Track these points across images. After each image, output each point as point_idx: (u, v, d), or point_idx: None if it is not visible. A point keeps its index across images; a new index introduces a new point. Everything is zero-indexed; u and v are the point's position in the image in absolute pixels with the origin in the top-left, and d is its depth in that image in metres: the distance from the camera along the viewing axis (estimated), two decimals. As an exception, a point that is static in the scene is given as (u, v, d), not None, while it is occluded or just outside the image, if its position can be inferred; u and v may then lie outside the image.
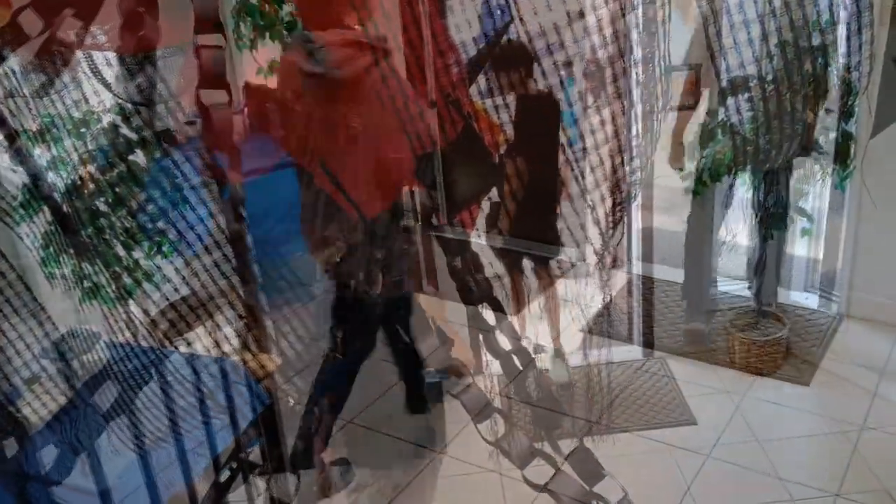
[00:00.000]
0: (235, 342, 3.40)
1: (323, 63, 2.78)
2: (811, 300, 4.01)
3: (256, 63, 4.62)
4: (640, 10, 3.28)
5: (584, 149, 3.69)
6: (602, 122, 3.59)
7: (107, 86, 2.56)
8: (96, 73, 2.40)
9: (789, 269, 4.03)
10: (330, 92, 3.04)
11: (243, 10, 4.37)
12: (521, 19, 3.27)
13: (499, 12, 3.74)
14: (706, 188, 3.46)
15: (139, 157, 3.47)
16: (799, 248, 4.02)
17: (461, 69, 3.13)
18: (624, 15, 3.17)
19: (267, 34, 4.50)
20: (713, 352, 3.76)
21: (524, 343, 3.67)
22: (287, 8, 4.44)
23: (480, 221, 3.72)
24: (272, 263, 4.42)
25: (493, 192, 3.46)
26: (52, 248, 3.36)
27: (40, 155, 3.28)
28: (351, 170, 3.19)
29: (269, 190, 4.21)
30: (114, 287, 3.46)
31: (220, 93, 1.31)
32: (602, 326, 3.94)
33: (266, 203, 4.15)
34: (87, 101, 3.33)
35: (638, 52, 3.38)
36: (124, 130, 3.44)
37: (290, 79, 2.93)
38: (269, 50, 4.58)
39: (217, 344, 3.51)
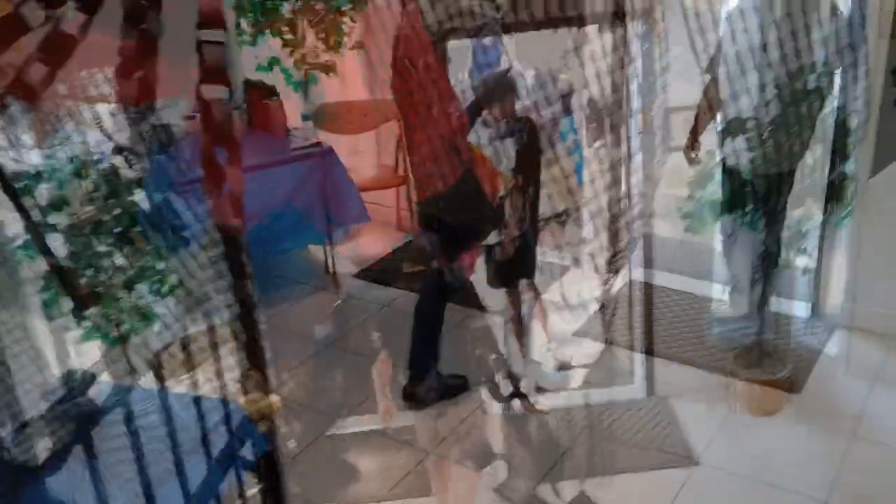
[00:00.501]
0: (235, 382, 3.38)
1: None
2: (812, 338, 4.01)
3: (256, 59, 4.65)
4: (638, 62, 3.32)
5: (584, 198, 3.73)
6: (601, 170, 3.62)
7: (108, 136, 2.58)
8: (98, 122, 2.42)
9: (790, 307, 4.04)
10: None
11: (244, 6, 4.39)
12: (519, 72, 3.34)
13: (490, 46, 3.80)
14: (704, 227, 3.48)
15: (138, 196, 3.49)
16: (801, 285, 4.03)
17: (461, 116, 3.17)
18: (623, 67, 3.22)
19: (267, 31, 4.52)
20: (714, 391, 3.74)
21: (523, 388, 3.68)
22: (287, 5, 4.46)
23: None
24: (269, 259, 4.45)
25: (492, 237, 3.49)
26: (52, 289, 3.36)
27: (40, 196, 3.29)
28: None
29: (267, 186, 4.23)
30: (113, 327, 3.46)
31: (220, 88, 1.33)
32: (604, 366, 3.94)
33: (264, 199, 4.17)
34: (84, 142, 3.35)
35: (637, 101, 3.42)
36: (124, 171, 3.46)
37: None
38: (269, 45, 4.58)
39: (217, 383, 3.50)
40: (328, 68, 4.69)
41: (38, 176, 3.17)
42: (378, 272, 4.82)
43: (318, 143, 4.50)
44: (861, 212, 3.49)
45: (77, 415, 2.98)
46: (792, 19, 2.98)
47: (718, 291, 4.18)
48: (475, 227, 3.35)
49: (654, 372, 3.92)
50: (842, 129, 3.26)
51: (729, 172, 3.50)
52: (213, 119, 1.31)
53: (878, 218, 3.53)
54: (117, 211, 3.44)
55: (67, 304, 3.31)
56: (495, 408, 3.67)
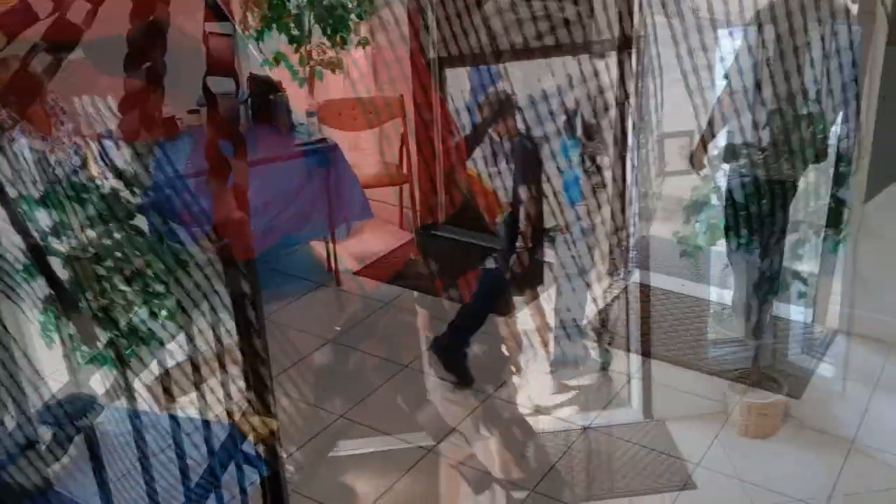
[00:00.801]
0: (236, 404, 3.40)
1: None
2: (807, 362, 4.02)
3: (261, 55, 4.68)
4: (632, 83, 3.36)
5: (581, 216, 3.76)
6: (599, 189, 3.66)
7: (117, 173, 2.61)
8: (105, 157, 2.45)
9: (786, 331, 4.05)
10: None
11: (251, 1, 4.41)
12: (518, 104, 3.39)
13: (494, 79, 3.84)
14: (700, 251, 3.50)
15: (140, 222, 3.51)
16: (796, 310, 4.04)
17: (461, 148, 3.21)
18: (626, 94, 3.26)
19: (274, 25, 4.54)
20: (712, 413, 3.75)
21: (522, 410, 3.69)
22: (294, 1, 4.48)
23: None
24: (271, 254, 4.45)
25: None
26: (50, 313, 3.38)
27: (41, 220, 3.32)
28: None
29: (270, 181, 4.24)
30: (113, 350, 3.46)
31: (227, 81, 1.34)
32: (602, 385, 3.95)
33: (267, 194, 4.18)
34: (85, 167, 3.39)
35: (631, 122, 3.46)
36: (125, 194, 3.49)
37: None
38: (275, 41, 4.61)
39: (208, 409, 3.51)
40: (334, 65, 4.71)
41: (39, 201, 3.20)
42: (380, 270, 4.82)
43: (323, 140, 4.51)
44: (858, 237, 3.52)
45: (75, 437, 2.99)
46: (786, 52, 3.03)
47: (715, 315, 4.20)
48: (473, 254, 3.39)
49: (651, 394, 3.93)
50: (836, 154, 3.30)
51: (726, 198, 3.54)
52: (219, 112, 1.32)
53: (874, 242, 3.56)
54: (117, 236, 3.46)
55: (67, 328, 3.32)
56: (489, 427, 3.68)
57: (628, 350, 4.14)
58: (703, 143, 3.64)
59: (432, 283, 4.31)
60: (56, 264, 3.35)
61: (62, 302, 2.75)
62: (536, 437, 3.67)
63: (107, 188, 3.38)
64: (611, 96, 3.48)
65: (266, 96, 4.58)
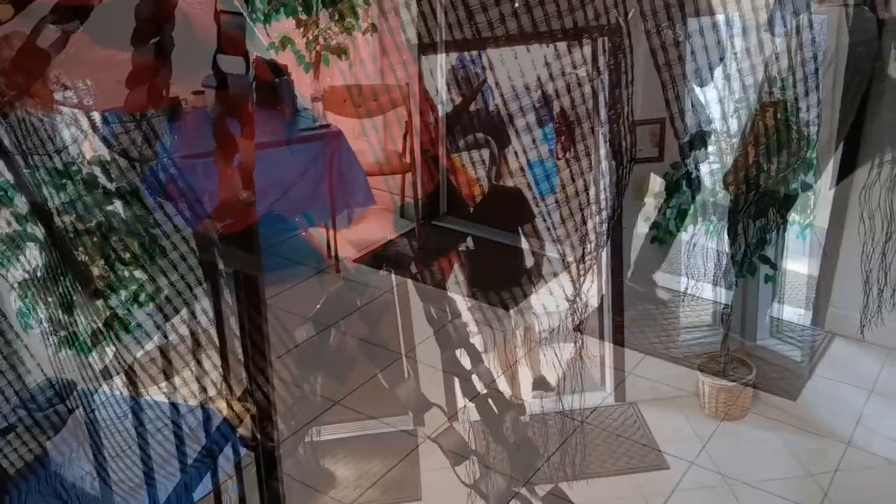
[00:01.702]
0: (212, 387, 3.41)
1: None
2: (775, 344, 4.12)
3: (268, 38, 4.66)
4: (605, 75, 3.42)
5: (557, 201, 3.81)
6: (573, 176, 3.71)
7: (108, 144, 2.61)
8: (96, 129, 2.45)
9: (754, 314, 4.14)
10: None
11: None
12: (495, 83, 3.43)
13: (471, 63, 3.88)
14: (671, 237, 3.57)
15: (118, 207, 3.51)
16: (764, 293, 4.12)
17: (439, 127, 3.25)
18: (591, 81, 3.31)
19: (281, 9, 4.50)
20: (683, 397, 3.83)
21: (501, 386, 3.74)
22: None
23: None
24: (274, 238, 4.44)
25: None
26: (29, 298, 3.36)
27: (19, 204, 3.30)
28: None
29: (273, 165, 4.22)
30: (89, 336, 3.46)
31: (238, 60, 1.35)
32: (577, 369, 4.01)
33: (269, 177, 4.15)
34: (66, 151, 3.37)
35: (604, 112, 3.52)
36: (103, 181, 3.48)
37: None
38: (282, 24, 4.59)
39: (187, 393, 3.53)
40: (340, 51, 4.69)
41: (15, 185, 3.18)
42: (379, 258, 4.83)
43: (327, 125, 4.49)
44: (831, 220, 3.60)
45: (55, 422, 3.00)
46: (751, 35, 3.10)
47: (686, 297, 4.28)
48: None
49: (624, 377, 4.00)
50: (803, 140, 3.37)
51: (694, 183, 3.61)
52: (228, 91, 1.33)
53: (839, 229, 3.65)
54: (95, 220, 3.45)
55: (44, 312, 3.32)
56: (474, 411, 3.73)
57: (601, 336, 4.21)
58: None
59: (432, 272, 4.34)
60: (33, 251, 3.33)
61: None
62: (511, 419, 3.72)
63: (84, 172, 3.37)
64: (587, 88, 3.54)
65: (272, 80, 4.55)
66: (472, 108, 3.43)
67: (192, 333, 3.00)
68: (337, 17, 4.47)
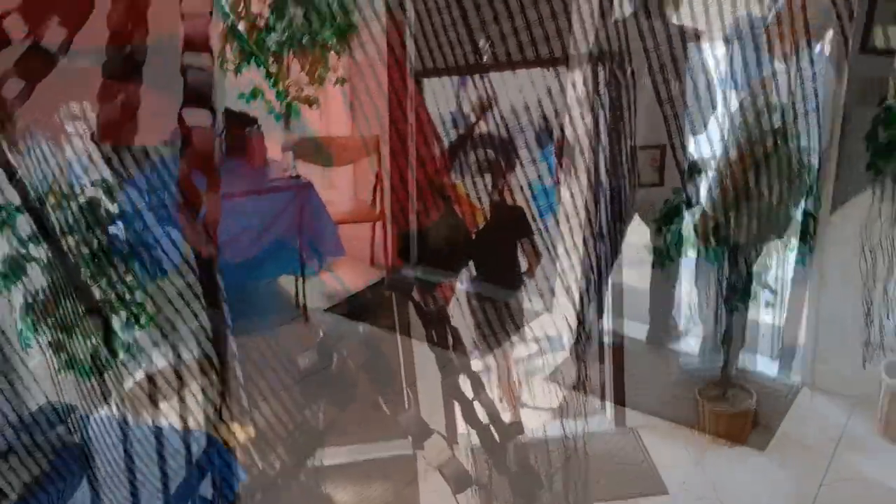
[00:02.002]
0: (210, 413, 3.40)
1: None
2: (772, 368, 4.12)
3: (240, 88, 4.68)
4: (605, 98, 3.45)
5: (557, 223, 3.82)
6: (573, 199, 3.73)
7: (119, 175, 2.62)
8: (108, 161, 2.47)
9: (754, 336, 4.14)
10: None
11: (230, 34, 4.41)
12: (495, 100, 3.45)
13: (473, 88, 3.91)
14: (671, 262, 3.58)
15: (119, 229, 3.52)
16: (764, 316, 4.13)
17: (444, 156, 3.27)
18: (592, 109, 3.34)
19: (252, 59, 4.54)
20: (683, 421, 3.83)
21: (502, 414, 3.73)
22: (274, 36, 4.49)
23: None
24: (243, 288, 4.42)
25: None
26: (29, 319, 3.37)
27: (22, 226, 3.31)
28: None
29: (243, 215, 4.23)
30: (90, 358, 3.46)
31: (203, 114, 1.35)
32: (578, 396, 4.00)
33: (239, 228, 4.17)
34: (65, 173, 3.38)
35: (605, 136, 3.54)
36: (106, 204, 3.49)
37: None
38: (253, 74, 4.61)
39: (186, 417, 3.51)
40: (311, 101, 4.74)
41: (19, 208, 3.20)
42: (349, 307, 4.85)
43: (297, 176, 4.55)
44: (822, 248, 3.62)
45: (54, 445, 2.99)
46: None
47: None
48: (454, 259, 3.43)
49: (623, 402, 4.00)
50: (803, 167, 3.40)
51: (694, 209, 3.63)
52: (194, 144, 1.33)
53: (838, 253, 3.66)
54: (95, 243, 3.46)
55: (44, 334, 3.33)
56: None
57: (601, 360, 4.21)
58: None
59: (402, 321, 4.34)
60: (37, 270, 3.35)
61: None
62: (514, 444, 3.71)
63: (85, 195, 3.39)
64: (585, 109, 3.57)
65: (241, 130, 4.61)
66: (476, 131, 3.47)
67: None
68: (308, 67, 4.50)
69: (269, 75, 4.54)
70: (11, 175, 2.22)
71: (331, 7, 4.26)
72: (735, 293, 3.63)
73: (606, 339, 4.08)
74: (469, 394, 3.79)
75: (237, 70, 4.44)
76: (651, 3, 3.39)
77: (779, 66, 3.15)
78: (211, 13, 1.50)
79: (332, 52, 4.62)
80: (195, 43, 1.32)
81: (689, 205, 3.65)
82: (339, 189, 5.16)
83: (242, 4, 4.31)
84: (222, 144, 4.63)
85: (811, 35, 3.24)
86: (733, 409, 3.69)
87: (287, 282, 4.90)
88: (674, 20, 3.48)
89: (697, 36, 3.36)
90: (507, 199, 3.51)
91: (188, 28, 1.32)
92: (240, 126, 4.64)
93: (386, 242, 4.88)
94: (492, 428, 3.70)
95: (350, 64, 4.76)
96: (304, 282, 4.70)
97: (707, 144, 3.49)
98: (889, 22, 3.30)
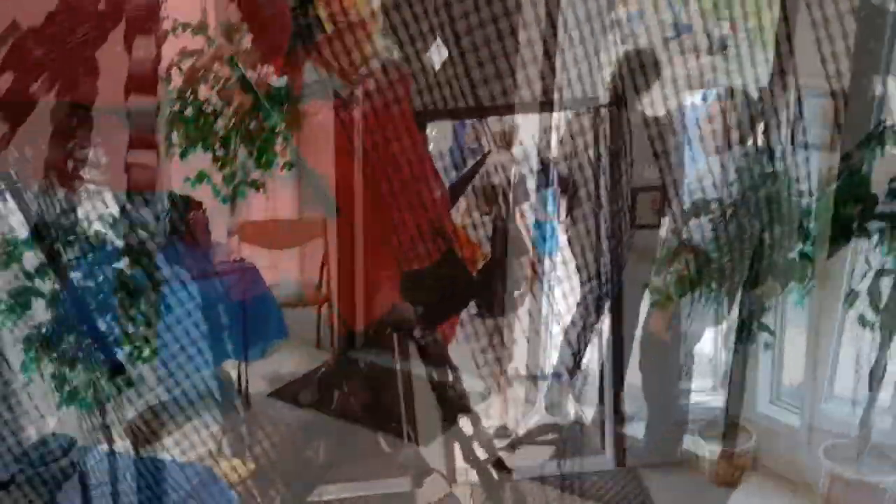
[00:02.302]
0: (211, 446, 3.42)
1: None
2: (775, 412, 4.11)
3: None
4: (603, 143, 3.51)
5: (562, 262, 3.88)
6: (574, 239, 3.78)
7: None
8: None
9: (754, 381, 4.14)
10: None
11: (176, 120, 4.38)
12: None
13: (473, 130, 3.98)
14: (670, 302, 3.60)
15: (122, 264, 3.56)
16: (763, 360, 4.13)
17: (445, 197, 3.33)
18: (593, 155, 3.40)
19: (199, 144, 4.49)
20: (684, 462, 3.82)
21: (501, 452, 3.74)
22: (222, 121, 4.45)
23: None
24: (183, 375, 4.29)
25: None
26: (32, 353, 3.39)
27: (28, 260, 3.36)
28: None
29: (187, 299, 4.14)
30: (92, 392, 3.48)
31: (148, 154, 1.40)
32: (575, 437, 4.01)
33: (183, 313, 4.07)
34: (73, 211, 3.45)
35: (604, 178, 3.60)
36: (111, 237, 3.54)
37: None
38: (200, 160, 4.56)
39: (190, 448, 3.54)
40: (257, 185, 4.63)
41: (26, 242, 3.25)
42: (293, 392, 4.65)
43: (242, 259, 4.48)
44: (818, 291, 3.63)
45: (55, 478, 3.00)
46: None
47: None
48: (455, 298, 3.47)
49: (623, 443, 3.99)
50: (800, 209, 3.43)
51: (693, 251, 3.66)
52: (137, 184, 1.37)
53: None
54: (101, 277, 3.50)
55: (47, 367, 3.35)
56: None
57: (601, 401, 4.22)
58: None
59: (347, 406, 4.33)
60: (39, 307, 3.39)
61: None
62: (511, 484, 3.71)
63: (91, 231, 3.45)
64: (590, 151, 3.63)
65: (186, 215, 4.53)
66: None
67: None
68: (255, 152, 4.43)
69: (216, 160, 4.45)
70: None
71: (280, 92, 4.29)
72: (733, 335, 3.65)
73: (606, 380, 4.10)
74: (468, 431, 3.81)
75: (183, 155, 4.37)
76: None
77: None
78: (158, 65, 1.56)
79: (281, 137, 4.53)
80: (140, 83, 1.37)
81: (688, 246, 3.68)
82: (284, 271, 5.09)
83: (190, 90, 4.32)
84: (166, 228, 4.56)
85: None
86: (734, 450, 3.69)
87: (231, 366, 4.55)
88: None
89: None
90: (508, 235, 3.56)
91: (135, 125, 1.37)
92: (184, 210, 4.57)
93: (333, 325, 4.82)
94: (490, 467, 3.71)
95: (300, 147, 4.69)
96: (247, 367, 4.55)
97: (703, 187, 3.53)
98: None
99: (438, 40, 2.98)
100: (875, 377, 3.40)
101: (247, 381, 4.48)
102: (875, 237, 3.24)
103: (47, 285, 3.45)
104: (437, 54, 2.98)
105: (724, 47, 3.42)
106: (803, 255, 3.57)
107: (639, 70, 3.46)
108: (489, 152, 3.59)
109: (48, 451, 3.10)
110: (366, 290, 3.46)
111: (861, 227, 3.24)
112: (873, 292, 3.28)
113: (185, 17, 3.79)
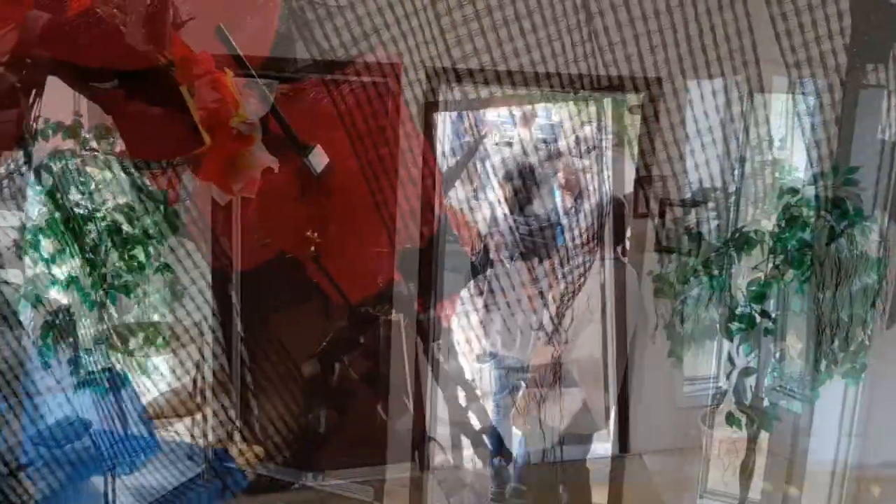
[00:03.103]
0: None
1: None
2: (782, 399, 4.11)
3: None
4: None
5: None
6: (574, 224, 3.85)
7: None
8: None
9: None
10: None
11: (45, 225, 4.31)
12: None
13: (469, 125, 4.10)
14: (672, 290, 3.62)
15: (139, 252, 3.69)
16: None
17: (439, 177, 3.44)
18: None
19: (67, 249, 4.41)
20: (688, 448, 3.83)
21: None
22: (92, 226, 4.35)
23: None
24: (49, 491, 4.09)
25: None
26: (50, 338, 3.53)
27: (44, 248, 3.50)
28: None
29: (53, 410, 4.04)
30: (107, 376, 3.61)
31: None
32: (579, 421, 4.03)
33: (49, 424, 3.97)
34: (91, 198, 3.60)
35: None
36: (126, 227, 3.67)
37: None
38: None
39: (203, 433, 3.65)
40: (129, 289, 4.56)
41: (42, 229, 3.39)
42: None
43: (109, 368, 4.43)
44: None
45: (73, 460, 3.12)
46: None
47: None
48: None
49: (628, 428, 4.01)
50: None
51: (696, 237, 3.69)
52: None
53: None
54: (119, 264, 3.63)
55: (64, 352, 3.47)
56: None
57: (606, 388, 4.25)
58: None
59: (346, 377, 4.39)
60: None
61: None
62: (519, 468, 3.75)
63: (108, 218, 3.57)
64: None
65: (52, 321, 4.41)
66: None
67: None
68: (126, 257, 4.31)
69: (85, 263, 4.38)
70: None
71: (153, 197, 4.22)
72: (734, 320, 3.66)
73: (610, 366, 4.13)
74: (463, 402, 3.86)
75: (51, 260, 4.32)
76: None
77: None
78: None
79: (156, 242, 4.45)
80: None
81: (690, 234, 3.71)
82: (156, 379, 4.95)
83: (59, 192, 4.22)
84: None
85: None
86: (737, 436, 3.69)
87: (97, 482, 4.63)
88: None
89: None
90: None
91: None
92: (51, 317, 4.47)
93: (206, 434, 4.73)
94: (485, 437, 3.76)
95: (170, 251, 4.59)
96: (114, 481, 4.04)
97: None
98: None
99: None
100: (745, 471, 3.43)
101: (115, 497, 4.01)
102: (737, 338, 3.30)
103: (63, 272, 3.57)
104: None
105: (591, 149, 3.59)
106: (801, 242, 3.56)
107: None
108: (484, 136, 3.70)
109: (66, 433, 3.21)
110: (360, 266, 3.54)
111: (724, 328, 3.32)
112: (738, 390, 3.35)
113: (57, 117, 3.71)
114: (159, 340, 3.98)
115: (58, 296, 3.60)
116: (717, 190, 3.39)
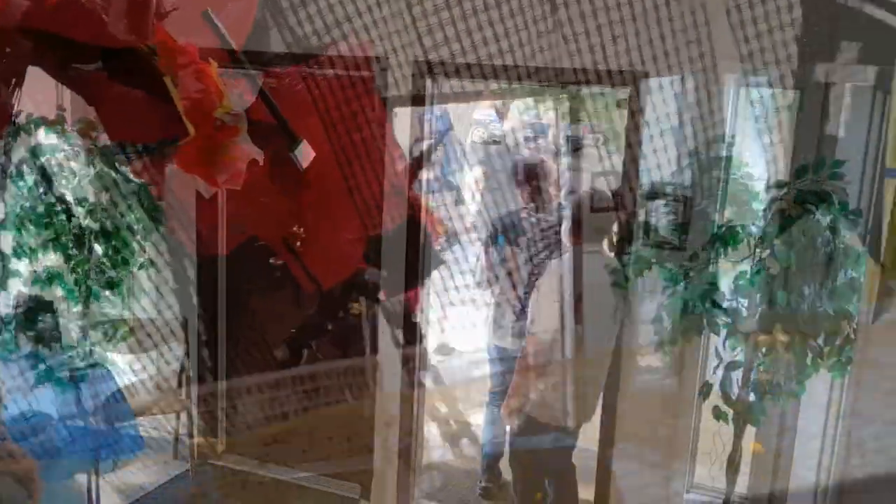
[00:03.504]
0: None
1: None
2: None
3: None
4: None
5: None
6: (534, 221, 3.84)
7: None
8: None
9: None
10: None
11: (27, 220, 4.20)
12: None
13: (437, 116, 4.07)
14: (628, 282, 3.61)
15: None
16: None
17: (406, 167, 3.39)
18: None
19: (49, 244, 4.30)
20: (676, 442, 3.84)
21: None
22: (76, 220, 4.26)
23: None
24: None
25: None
26: (10, 331, 3.40)
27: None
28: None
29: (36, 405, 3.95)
30: (67, 371, 3.50)
31: None
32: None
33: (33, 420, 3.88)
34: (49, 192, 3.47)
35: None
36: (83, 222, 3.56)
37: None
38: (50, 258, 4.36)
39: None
40: (113, 284, 4.46)
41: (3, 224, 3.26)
42: None
43: (94, 365, 4.06)
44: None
45: (31, 453, 3.00)
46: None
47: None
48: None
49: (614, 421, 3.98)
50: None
51: (652, 232, 3.70)
52: None
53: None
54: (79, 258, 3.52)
55: (24, 345, 3.37)
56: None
57: (591, 381, 4.23)
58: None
59: (314, 362, 4.34)
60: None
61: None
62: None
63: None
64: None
65: (35, 317, 4.32)
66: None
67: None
68: (111, 252, 4.23)
69: (68, 258, 4.29)
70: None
71: (137, 192, 4.16)
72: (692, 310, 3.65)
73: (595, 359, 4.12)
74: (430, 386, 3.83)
75: (33, 256, 4.21)
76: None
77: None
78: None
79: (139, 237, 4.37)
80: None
81: (647, 227, 3.72)
82: (141, 375, 4.92)
83: (42, 186, 4.14)
84: (13, 333, 4.36)
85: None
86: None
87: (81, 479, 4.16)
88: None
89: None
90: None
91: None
92: (33, 312, 4.38)
93: (192, 434, 4.66)
94: (451, 421, 3.74)
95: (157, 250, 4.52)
96: (97, 478, 4.12)
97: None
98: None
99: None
100: (731, 466, 3.40)
101: (98, 496, 4.11)
102: (723, 332, 3.26)
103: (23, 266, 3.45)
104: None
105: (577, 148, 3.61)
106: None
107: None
108: (450, 128, 3.67)
109: (25, 425, 3.12)
110: (333, 252, 3.48)
111: (710, 322, 3.27)
112: (725, 384, 3.31)
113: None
114: (122, 331, 3.89)
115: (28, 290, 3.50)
116: (700, 184, 3.41)
